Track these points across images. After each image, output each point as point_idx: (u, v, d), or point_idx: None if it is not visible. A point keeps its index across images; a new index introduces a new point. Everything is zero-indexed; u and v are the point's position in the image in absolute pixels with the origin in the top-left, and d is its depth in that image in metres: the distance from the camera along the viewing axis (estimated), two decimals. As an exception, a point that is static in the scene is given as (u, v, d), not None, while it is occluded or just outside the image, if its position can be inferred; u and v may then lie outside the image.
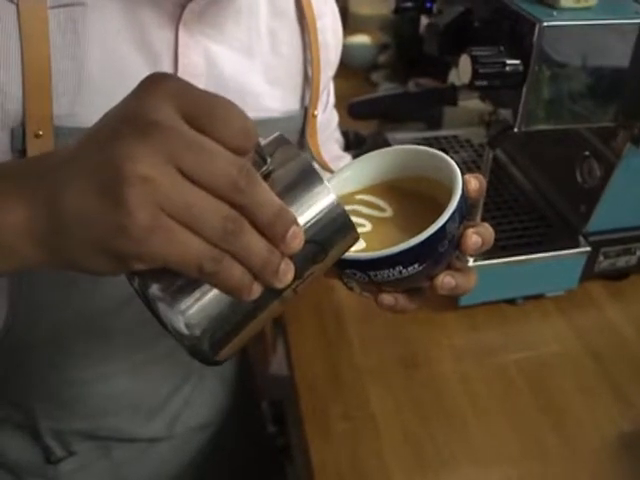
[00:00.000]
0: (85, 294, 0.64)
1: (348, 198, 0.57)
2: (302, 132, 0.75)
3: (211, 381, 0.91)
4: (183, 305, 0.38)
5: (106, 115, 0.37)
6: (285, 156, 0.41)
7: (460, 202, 0.48)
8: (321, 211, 0.41)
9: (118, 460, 0.82)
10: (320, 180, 0.40)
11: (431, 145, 0.96)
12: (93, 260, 0.36)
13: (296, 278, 0.39)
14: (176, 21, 0.59)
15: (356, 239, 0.44)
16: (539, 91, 0.69)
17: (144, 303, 0.41)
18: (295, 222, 0.37)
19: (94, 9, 0.54)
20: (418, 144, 1.11)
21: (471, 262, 0.84)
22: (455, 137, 1.15)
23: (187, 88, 0.36)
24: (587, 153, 0.86)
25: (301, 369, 0.82)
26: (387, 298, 0.53)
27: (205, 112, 0.35)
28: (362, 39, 1.61)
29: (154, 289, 0.38)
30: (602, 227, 0.88)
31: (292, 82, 0.73)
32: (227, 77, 0.65)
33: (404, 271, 0.49)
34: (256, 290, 0.37)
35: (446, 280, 0.52)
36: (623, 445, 0.72)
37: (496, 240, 0.87)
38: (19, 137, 0.54)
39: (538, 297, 0.91)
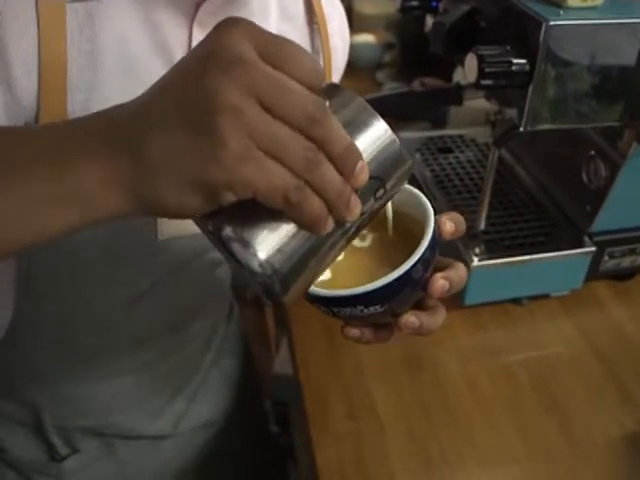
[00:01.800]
0: (92, 291, 0.64)
1: None
2: None
3: (216, 380, 0.91)
4: (257, 244, 0.39)
5: (181, 60, 0.39)
6: (341, 98, 0.43)
7: (426, 250, 0.48)
8: (379, 146, 0.43)
9: (122, 458, 0.82)
10: (377, 118, 0.43)
11: (436, 144, 0.95)
12: (182, 198, 0.37)
13: (361, 214, 0.41)
14: (190, 20, 0.59)
15: (411, 169, 0.46)
16: (545, 90, 0.69)
17: (217, 246, 0.42)
18: (362, 157, 0.39)
19: (110, 5, 0.54)
20: (424, 143, 1.11)
21: (476, 262, 0.84)
22: (460, 136, 1.15)
23: (262, 30, 0.38)
24: (593, 153, 0.86)
25: (305, 369, 0.82)
26: (352, 331, 0.53)
27: (280, 52, 0.37)
28: (367, 38, 1.61)
29: (228, 230, 0.39)
30: (607, 227, 0.88)
31: None
32: None
33: (365, 310, 0.49)
34: (330, 224, 0.39)
35: (410, 320, 0.51)
36: (628, 445, 0.72)
37: (501, 240, 0.88)
38: None
39: (543, 297, 0.91)
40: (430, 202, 0.52)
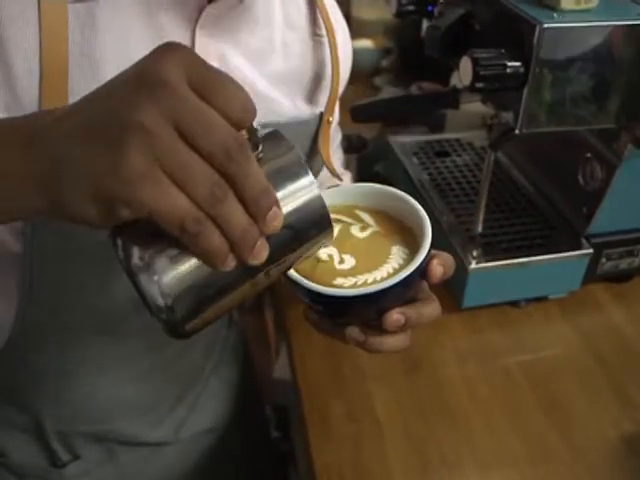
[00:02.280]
0: (95, 297, 0.64)
1: (342, 207, 0.58)
2: (314, 138, 0.76)
3: (216, 386, 0.91)
4: (160, 273, 0.39)
5: (117, 76, 0.39)
6: (277, 146, 0.43)
7: (413, 273, 0.50)
8: (303, 201, 0.43)
9: (123, 464, 0.82)
10: (307, 172, 0.43)
11: (433, 148, 0.96)
12: (83, 205, 0.37)
13: (269, 261, 0.41)
14: (193, 24, 0.59)
15: (331, 237, 0.46)
16: (540, 93, 0.69)
17: (125, 272, 0.42)
18: (277, 203, 0.39)
19: (112, 7, 0.55)
20: (421, 147, 1.12)
21: (473, 265, 0.84)
22: (457, 140, 1.15)
23: (198, 60, 0.38)
24: (589, 155, 0.86)
25: (304, 372, 0.82)
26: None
27: (211, 84, 0.37)
28: (365, 43, 1.61)
29: (135, 257, 0.39)
30: (604, 229, 0.88)
31: (304, 91, 0.74)
32: (240, 81, 0.65)
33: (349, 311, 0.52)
34: (230, 261, 0.39)
35: (395, 317, 0.52)
36: (627, 447, 0.72)
37: (499, 242, 0.89)
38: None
39: (541, 299, 0.91)
40: (427, 208, 0.53)
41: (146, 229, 0.38)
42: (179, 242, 0.38)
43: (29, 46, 0.52)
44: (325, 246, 0.48)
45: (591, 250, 0.88)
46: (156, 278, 0.39)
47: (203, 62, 0.38)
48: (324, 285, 0.50)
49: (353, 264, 0.52)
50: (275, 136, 0.43)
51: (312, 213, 0.43)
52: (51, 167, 0.38)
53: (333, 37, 0.73)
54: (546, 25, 0.65)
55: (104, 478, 0.81)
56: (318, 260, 0.52)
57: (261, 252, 0.39)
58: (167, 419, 0.83)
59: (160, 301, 0.40)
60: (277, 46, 0.69)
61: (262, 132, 0.43)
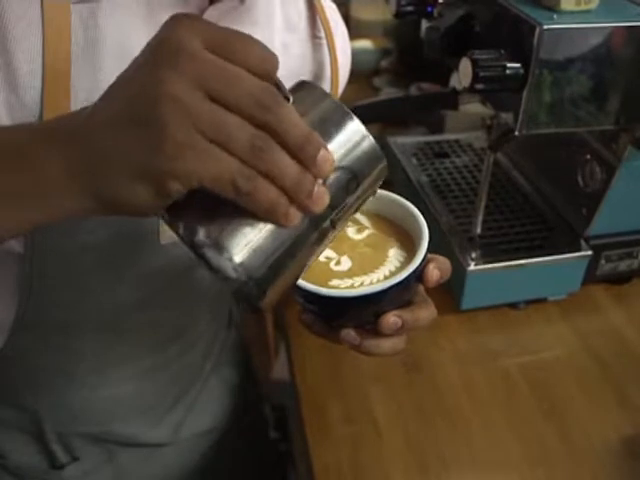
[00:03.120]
0: (96, 296, 0.64)
1: None
2: None
3: (215, 387, 0.91)
4: (230, 248, 0.39)
5: (134, 59, 0.39)
6: (310, 94, 0.42)
7: (410, 276, 0.50)
8: (350, 140, 0.42)
9: (122, 465, 0.81)
10: (347, 113, 0.42)
11: (432, 149, 0.96)
12: (133, 190, 0.37)
13: (331, 208, 0.40)
14: None
15: (386, 168, 0.45)
16: (540, 94, 0.69)
17: (191, 251, 0.41)
18: (324, 145, 0.38)
19: (114, 7, 0.55)
20: (420, 148, 1.12)
21: (472, 266, 0.84)
22: (457, 141, 1.15)
23: (208, 23, 0.38)
24: (588, 156, 0.86)
25: (303, 373, 0.82)
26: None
27: (226, 42, 0.37)
28: (364, 44, 1.61)
29: (200, 235, 0.39)
30: (604, 231, 0.88)
31: None
32: None
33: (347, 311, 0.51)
34: (293, 214, 0.39)
35: (392, 320, 0.51)
36: (626, 449, 0.72)
37: (498, 244, 0.88)
38: None
39: (540, 301, 0.91)
40: (426, 209, 0.53)
41: (202, 205, 0.38)
42: (239, 211, 0.38)
43: (32, 46, 0.52)
44: (380, 185, 0.47)
45: (590, 252, 0.88)
46: (227, 255, 0.38)
47: (213, 25, 0.38)
48: (320, 286, 0.50)
49: (349, 266, 0.52)
50: (305, 85, 0.43)
51: (363, 150, 0.43)
52: (95, 161, 0.38)
53: (332, 40, 0.73)
54: (546, 26, 0.65)
55: (103, 479, 0.81)
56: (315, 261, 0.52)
57: (322, 197, 0.39)
58: (166, 419, 0.83)
59: (234, 276, 0.39)
60: (276, 48, 0.69)
61: (292, 85, 0.43)
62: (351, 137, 0.42)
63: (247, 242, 0.39)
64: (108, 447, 0.79)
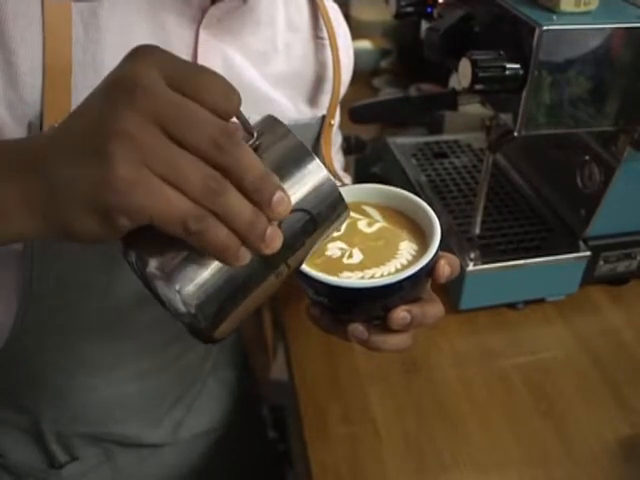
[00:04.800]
0: (97, 296, 0.64)
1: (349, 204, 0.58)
2: (317, 140, 0.76)
3: (214, 388, 0.91)
4: (180, 281, 0.38)
5: (94, 90, 0.39)
6: (273, 132, 0.41)
7: (424, 268, 0.50)
8: (309, 181, 0.41)
9: (121, 465, 0.81)
10: (309, 154, 0.41)
11: (432, 149, 0.96)
12: (83, 221, 0.37)
13: (286, 249, 0.40)
14: (197, 24, 0.60)
15: (347, 211, 0.45)
16: (539, 95, 0.69)
17: (143, 283, 0.41)
18: (280, 187, 0.38)
19: (116, 7, 0.55)
20: (420, 149, 1.12)
21: (471, 266, 0.84)
22: (456, 142, 1.15)
23: (172, 58, 0.37)
24: (587, 157, 0.86)
25: (301, 373, 0.81)
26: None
27: (188, 78, 0.36)
28: (364, 44, 1.61)
29: (152, 267, 0.38)
30: (602, 232, 0.88)
31: (305, 94, 0.74)
32: (242, 82, 0.65)
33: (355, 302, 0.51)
34: (244, 255, 0.38)
35: (402, 315, 0.51)
36: (624, 450, 0.72)
37: (496, 244, 0.89)
38: (36, 132, 0.54)
39: (539, 302, 0.91)
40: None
41: (156, 236, 0.38)
42: (191, 245, 0.37)
43: (33, 45, 0.52)
44: (339, 230, 0.47)
45: (589, 253, 0.88)
46: (177, 287, 0.38)
47: (177, 58, 0.37)
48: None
49: (361, 258, 0.52)
50: (270, 122, 0.42)
51: (322, 193, 0.42)
52: (48, 190, 0.37)
53: (334, 40, 0.73)
54: (545, 27, 0.65)
55: (102, 479, 0.81)
56: (325, 254, 0.52)
57: (274, 240, 0.38)
58: (165, 420, 0.83)
59: (184, 311, 0.39)
60: (279, 48, 0.69)
61: (257, 121, 0.42)
62: (311, 178, 0.41)
63: (197, 277, 0.39)
64: (107, 447, 0.79)
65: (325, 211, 0.43)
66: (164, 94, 0.35)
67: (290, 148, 0.41)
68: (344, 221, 0.46)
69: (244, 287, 0.41)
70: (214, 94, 0.37)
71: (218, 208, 0.36)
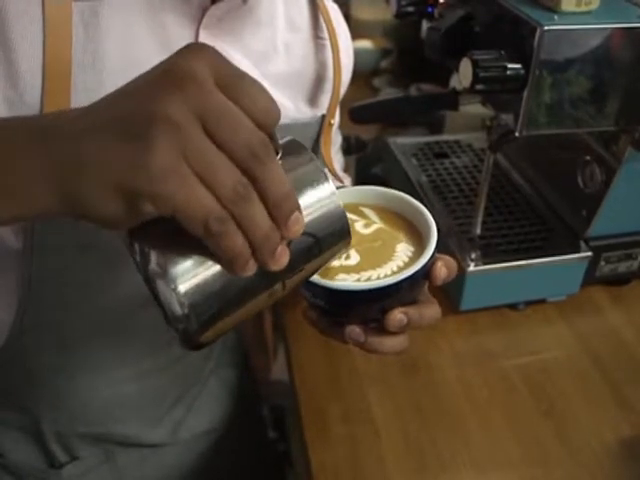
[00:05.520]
0: (97, 296, 0.64)
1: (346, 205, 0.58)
2: (316, 139, 0.76)
3: (215, 388, 0.91)
4: (178, 279, 0.38)
5: (139, 76, 0.38)
6: (297, 155, 0.43)
7: (420, 271, 0.50)
8: (324, 210, 0.43)
9: (121, 465, 0.81)
10: (328, 182, 0.42)
11: (432, 149, 0.96)
12: (105, 201, 0.37)
13: (288, 269, 0.40)
14: (197, 23, 0.60)
15: (348, 247, 0.46)
16: (540, 95, 0.69)
17: (143, 279, 0.41)
18: (299, 209, 0.39)
19: (116, 6, 0.55)
20: (420, 149, 1.12)
21: (472, 267, 0.84)
22: (457, 142, 1.15)
23: (224, 60, 0.38)
24: (588, 158, 0.86)
25: (301, 373, 0.81)
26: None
27: (236, 84, 0.37)
28: (364, 44, 1.61)
29: (153, 263, 0.39)
30: (603, 232, 0.88)
31: (305, 93, 0.74)
32: None
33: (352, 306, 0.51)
34: (251, 267, 0.38)
35: (398, 317, 0.51)
36: (624, 450, 0.72)
37: (497, 245, 0.88)
38: None
39: (540, 302, 0.91)
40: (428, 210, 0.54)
41: (165, 233, 0.38)
42: (198, 248, 0.38)
43: (33, 43, 0.52)
44: (340, 257, 0.48)
45: (590, 253, 0.88)
46: (173, 286, 0.38)
47: (229, 63, 0.38)
48: (327, 280, 0.50)
49: (357, 260, 0.52)
50: (295, 145, 0.43)
51: (332, 222, 0.43)
52: (76, 164, 0.37)
53: (335, 40, 0.73)
54: (547, 27, 0.65)
55: (102, 479, 0.81)
56: None
57: (282, 257, 0.39)
58: (165, 420, 0.83)
59: (177, 309, 0.39)
60: (279, 47, 0.69)
61: (281, 139, 0.43)
62: (326, 207, 0.43)
63: (196, 278, 0.39)
64: (107, 447, 0.79)
65: (331, 239, 0.44)
66: (213, 92, 0.36)
67: (310, 172, 0.43)
68: (343, 252, 0.47)
69: (239, 297, 0.41)
70: (257, 104, 0.37)
71: (241, 214, 0.36)
